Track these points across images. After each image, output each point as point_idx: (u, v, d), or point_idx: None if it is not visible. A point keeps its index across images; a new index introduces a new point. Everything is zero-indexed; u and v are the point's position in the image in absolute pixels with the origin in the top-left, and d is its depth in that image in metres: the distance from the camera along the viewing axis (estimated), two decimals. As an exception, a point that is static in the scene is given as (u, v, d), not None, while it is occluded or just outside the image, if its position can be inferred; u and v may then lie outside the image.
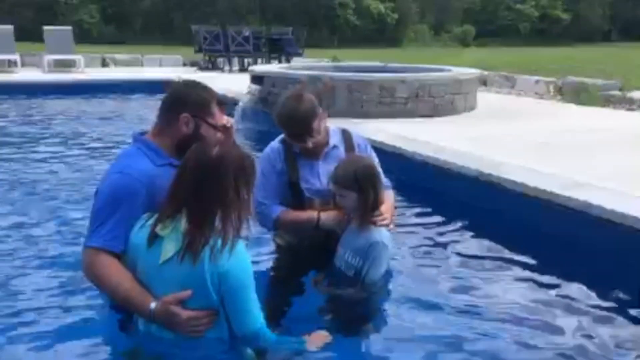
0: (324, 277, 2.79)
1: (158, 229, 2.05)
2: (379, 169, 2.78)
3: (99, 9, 29.11)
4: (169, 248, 2.02)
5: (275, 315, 2.23)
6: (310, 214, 2.80)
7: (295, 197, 2.84)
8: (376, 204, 2.59)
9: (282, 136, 2.91)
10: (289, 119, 2.75)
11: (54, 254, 3.53)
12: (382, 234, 2.59)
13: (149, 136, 2.38)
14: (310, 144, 2.79)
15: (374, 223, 2.60)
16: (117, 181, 2.21)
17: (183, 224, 2.02)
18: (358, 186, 2.54)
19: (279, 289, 2.83)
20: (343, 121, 6.72)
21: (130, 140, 2.43)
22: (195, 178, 2.03)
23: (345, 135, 3.00)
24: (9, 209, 4.40)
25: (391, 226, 2.70)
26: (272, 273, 2.97)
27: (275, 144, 2.92)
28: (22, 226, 4.02)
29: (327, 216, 2.77)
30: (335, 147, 2.91)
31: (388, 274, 2.66)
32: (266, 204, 2.79)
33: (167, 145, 2.33)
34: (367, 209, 2.57)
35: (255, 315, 2.10)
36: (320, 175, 2.84)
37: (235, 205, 2.05)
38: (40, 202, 4.57)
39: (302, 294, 2.86)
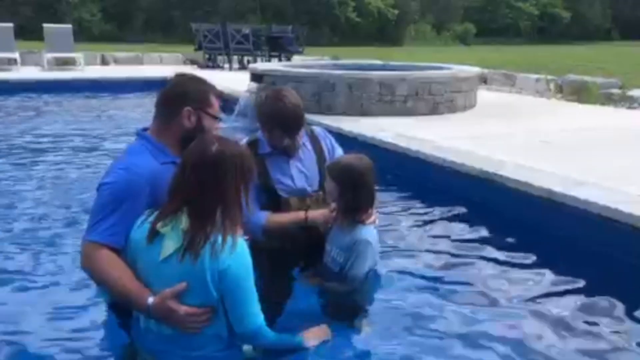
0: (313, 273, 2.81)
1: (159, 226, 2.05)
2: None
3: (99, 7, 29.11)
4: (170, 245, 2.02)
5: (269, 316, 2.22)
6: (297, 214, 2.76)
7: (271, 199, 2.78)
8: (358, 205, 2.59)
9: (246, 140, 2.84)
10: (299, 115, 2.72)
11: (53, 250, 3.54)
12: (367, 231, 2.61)
13: (151, 133, 2.37)
14: (298, 138, 2.78)
15: (362, 221, 2.61)
16: (121, 178, 2.21)
17: (184, 221, 2.02)
18: (339, 179, 2.57)
19: (268, 290, 2.78)
20: (343, 119, 6.77)
21: (131, 137, 2.43)
22: (196, 176, 2.02)
23: (308, 132, 2.96)
24: (10, 206, 4.40)
25: (377, 222, 2.70)
26: (257, 276, 2.91)
27: None
28: (26, 223, 4.03)
29: (315, 214, 2.75)
30: (303, 144, 2.87)
31: (373, 272, 2.67)
32: (250, 212, 2.73)
33: (170, 142, 2.33)
34: (347, 207, 2.58)
35: (255, 313, 2.09)
36: (292, 175, 2.81)
37: (235, 202, 2.05)
38: (38, 199, 4.57)
39: (291, 293, 2.84)
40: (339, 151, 2.97)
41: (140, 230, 2.11)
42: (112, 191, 2.20)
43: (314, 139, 2.92)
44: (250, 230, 2.78)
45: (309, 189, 2.82)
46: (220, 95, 2.43)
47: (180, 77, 2.45)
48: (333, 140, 3.01)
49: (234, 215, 2.05)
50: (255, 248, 2.86)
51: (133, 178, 2.20)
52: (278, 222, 2.75)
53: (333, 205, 2.68)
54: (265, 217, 2.74)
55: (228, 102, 7.96)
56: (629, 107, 8.73)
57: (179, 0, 30.08)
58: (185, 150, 2.12)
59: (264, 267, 2.81)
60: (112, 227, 2.15)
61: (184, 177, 2.04)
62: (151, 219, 2.09)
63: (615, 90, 9.56)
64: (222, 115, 2.45)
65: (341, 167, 2.60)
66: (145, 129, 2.41)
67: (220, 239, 2.00)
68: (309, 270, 2.89)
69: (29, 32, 18.55)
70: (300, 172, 2.82)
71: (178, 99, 2.32)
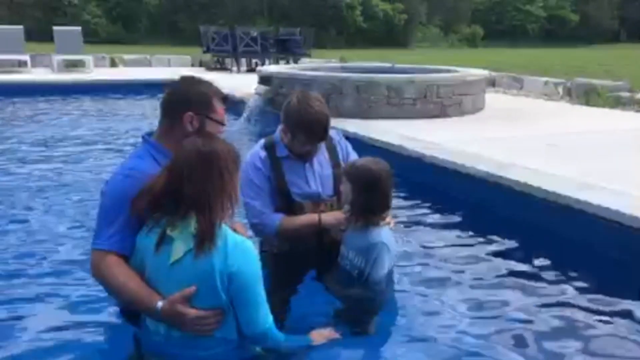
0: (331, 280, 2.80)
1: (168, 231, 2.06)
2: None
3: (106, 9, 29.27)
4: (180, 248, 2.02)
5: (277, 319, 2.23)
6: (311, 217, 2.76)
7: (285, 203, 2.77)
8: (372, 208, 2.59)
9: (264, 142, 2.83)
10: (326, 124, 2.67)
11: (62, 254, 3.55)
12: (382, 233, 2.60)
13: (156, 138, 2.36)
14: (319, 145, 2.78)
15: (377, 223, 2.61)
16: (122, 183, 2.20)
17: (193, 224, 2.03)
18: (354, 181, 2.58)
19: (278, 294, 2.77)
20: (351, 122, 6.78)
21: (139, 141, 2.43)
22: (193, 176, 2.03)
23: None
24: (16, 209, 4.43)
25: (392, 224, 2.70)
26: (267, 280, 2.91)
27: (260, 151, 2.80)
28: (31, 226, 4.05)
29: (328, 217, 2.75)
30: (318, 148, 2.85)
31: (390, 274, 2.67)
32: (266, 213, 2.72)
33: (174, 146, 2.28)
34: (361, 209, 2.59)
35: (264, 314, 2.10)
36: (308, 179, 2.80)
37: (233, 194, 2.08)
38: (46, 201, 4.59)
39: (297, 296, 2.84)
40: (353, 156, 2.96)
41: (149, 235, 2.11)
42: (114, 198, 2.19)
43: (329, 143, 2.90)
44: (264, 233, 2.80)
45: (323, 193, 2.82)
46: (226, 99, 2.38)
47: (183, 80, 2.40)
48: (348, 145, 3.01)
49: (233, 208, 2.09)
50: (266, 250, 2.89)
51: (133, 183, 2.17)
52: (292, 224, 2.74)
53: (347, 208, 2.69)
54: (280, 220, 2.74)
55: (236, 105, 8.00)
56: (638, 110, 8.70)
57: (185, 3, 30.20)
58: (176, 156, 2.11)
59: (273, 269, 2.83)
60: (116, 234, 2.15)
61: (181, 181, 2.05)
62: (159, 223, 2.09)
63: (624, 93, 9.52)
64: (227, 119, 2.41)
65: (357, 169, 2.60)
66: (150, 134, 2.40)
67: (228, 240, 2.01)
68: (325, 276, 2.86)
69: (36, 34, 18.67)
70: (315, 177, 2.81)
71: (180, 103, 2.28)
